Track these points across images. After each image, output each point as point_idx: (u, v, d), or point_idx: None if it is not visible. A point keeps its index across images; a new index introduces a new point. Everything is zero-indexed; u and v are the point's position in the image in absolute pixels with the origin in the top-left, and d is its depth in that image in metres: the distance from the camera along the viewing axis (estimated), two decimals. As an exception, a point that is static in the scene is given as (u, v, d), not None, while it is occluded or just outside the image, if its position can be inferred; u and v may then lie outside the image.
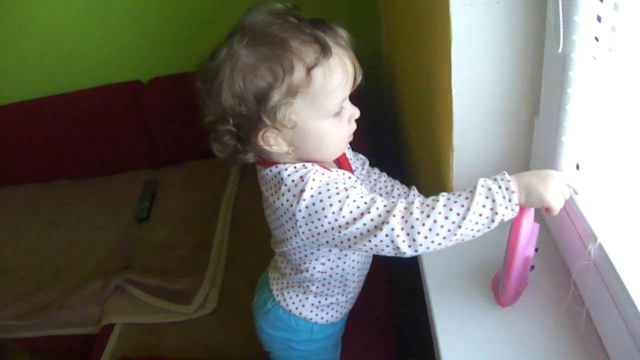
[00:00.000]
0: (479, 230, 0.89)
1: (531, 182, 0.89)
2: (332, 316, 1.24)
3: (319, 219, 0.94)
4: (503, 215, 0.88)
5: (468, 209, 0.87)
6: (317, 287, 1.17)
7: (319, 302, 1.21)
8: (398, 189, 1.27)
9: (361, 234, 0.92)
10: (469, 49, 1.04)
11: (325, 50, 0.92)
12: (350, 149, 1.22)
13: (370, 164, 1.31)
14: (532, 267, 1.00)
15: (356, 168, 1.24)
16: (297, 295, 1.20)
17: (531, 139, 1.16)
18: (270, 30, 0.93)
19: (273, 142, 0.98)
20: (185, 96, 2.27)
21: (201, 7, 2.37)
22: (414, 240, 0.89)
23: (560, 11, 0.87)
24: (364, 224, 0.91)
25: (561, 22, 0.87)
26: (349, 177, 1.02)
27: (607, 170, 0.92)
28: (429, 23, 1.19)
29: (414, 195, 1.25)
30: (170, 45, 2.48)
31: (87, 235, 2.28)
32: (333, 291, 1.20)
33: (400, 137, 2.10)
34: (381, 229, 0.89)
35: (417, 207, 0.90)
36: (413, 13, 1.43)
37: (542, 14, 0.99)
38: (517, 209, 0.88)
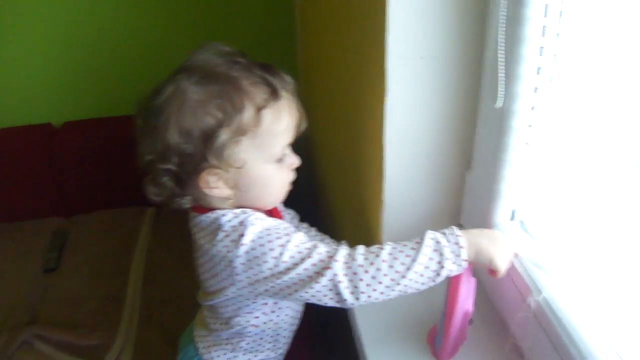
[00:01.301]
0: (423, 283, 0.88)
1: (482, 242, 0.89)
2: None
3: (258, 265, 0.91)
4: (450, 270, 0.87)
5: (414, 260, 0.86)
6: (248, 343, 1.13)
7: (248, 359, 1.16)
8: (328, 243, 1.25)
9: (301, 280, 0.89)
10: (403, 103, 1.04)
11: (274, 93, 0.94)
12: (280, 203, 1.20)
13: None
14: (471, 320, 1.00)
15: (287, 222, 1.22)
16: (225, 354, 1.15)
17: (462, 193, 1.17)
18: (220, 70, 0.93)
19: (214, 185, 0.96)
20: (99, 142, 2.21)
21: (119, 53, 2.34)
22: (355, 287, 0.87)
23: (503, 64, 0.89)
24: (305, 269, 0.89)
25: (503, 76, 0.89)
26: (286, 226, 1.00)
27: (544, 220, 0.93)
28: (363, 75, 1.19)
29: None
30: (86, 89, 2.42)
31: (-10, 286, 2.13)
32: (264, 347, 1.16)
33: (320, 192, 2.08)
34: (323, 275, 0.88)
35: (361, 254, 0.89)
36: (342, 67, 1.43)
37: (478, 69, 1.02)
38: (464, 264, 0.88)
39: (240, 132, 0.92)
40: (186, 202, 1.02)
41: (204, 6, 2.30)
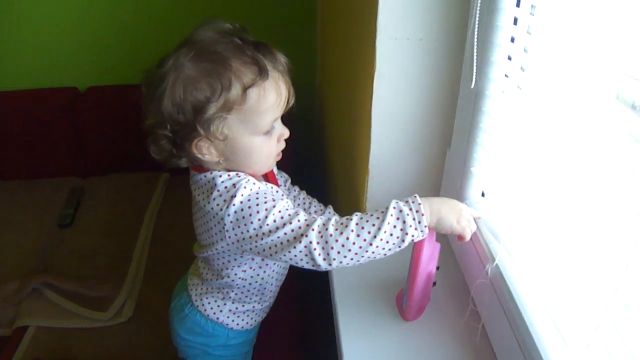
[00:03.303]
0: (390, 249, 0.95)
1: (442, 209, 0.97)
2: (247, 323, 1.29)
3: (245, 225, 0.99)
4: (413, 236, 0.95)
5: (379, 229, 0.93)
6: (236, 294, 1.22)
7: (236, 308, 1.25)
8: (315, 206, 1.35)
9: (282, 243, 0.98)
10: (390, 80, 1.12)
11: (262, 73, 0.99)
12: (276, 167, 1.28)
13: (292, 183, 1.37)
14: (434, 283, 1.08)
15: (280, 185, 1.30)
16: (216, 301, 1.25)
17: (442, 169, 1.25)
18: (215, 48, 1.00)
19: (205, 151, 1.04)
20: (119, 108, 2.29)
21: (143, 23, 2.43)
22: (328, 254, 0.95)
23: (475, 49, 0.96)
24: (285, 234, 0.97)
25: (474, 60, 0.97)
26: (277, 191, 1.08)
27: (508, 198, 1.00)
28: (358, 54, 1.28)
29: (329, 213, 1.32)
30: (110, 56, 2.51)
31: (7, 237, 2.25)
32: (251, 299, 1.25)
33: (323, 160, 2.17)
34: (300, 241, 0.95)
35: (332, 224, 0.96)
36: (345, 44, 1.51)
37: (460, 52, 1.09)
38: (426, 230, 0.95)
39: (227, 108, 0.99)
40: (183, 162, 1.10)
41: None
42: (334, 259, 0.95)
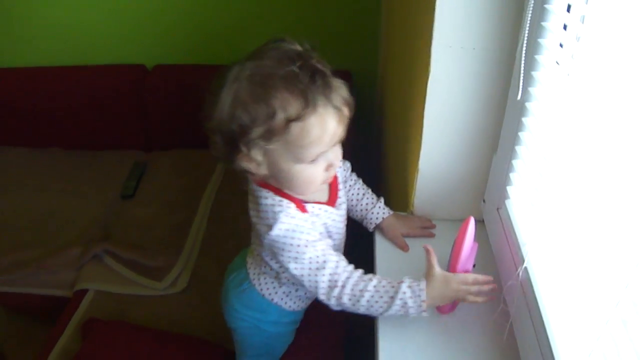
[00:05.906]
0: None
1: (440, 292, 1.09)
2: (298, 305, 1.36)
3: (279, 254, 1.13)
4: (412, 315, 1.09)
5: (386, 310, 1.09)
6: (288, 279, 1.29)
7: (290, 292, 1.32)
8: (367, 197, 1.39)
9: (309, 281, 1.13)
10: (442, 85, 1.18)
11: (307, 107, 0.99)
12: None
13: (353, 169, 1.42)
14: (470, 280, 1.14)
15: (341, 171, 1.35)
16: (272, 282, 1.31)
17: (488, 172, 1.30)
18: (271, 72, 1.01)
19: (252, 166, 1.09)
20: (184, 86, 2.36)
21: (212, 5, 2.48)
22: (340, 302, 1.12)
23: (522, 63, 1.01)
24: (309, 281, 1.13)
25: (521, 74, 1.01)
26: (309, 230, 1.14)
27: (539, 206, 1.04)
28: (414, 58, 1.34)
29: (379, 207, 1.38)
30: (178, 35, 2.58)
31: (72, 204, 2.37)
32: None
33: (381, 151, 2.24)
34: (324, 294, 1.12)
35: (353, 283, 1.10)
36: (403, 45, 1.57)
37: (511, 63, 1.14)
38: (424, 313, 1.08)
39: (268, 135, 1.01)
40: (236, 166, 1.12)
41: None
42: (342, 306, 1.13)
